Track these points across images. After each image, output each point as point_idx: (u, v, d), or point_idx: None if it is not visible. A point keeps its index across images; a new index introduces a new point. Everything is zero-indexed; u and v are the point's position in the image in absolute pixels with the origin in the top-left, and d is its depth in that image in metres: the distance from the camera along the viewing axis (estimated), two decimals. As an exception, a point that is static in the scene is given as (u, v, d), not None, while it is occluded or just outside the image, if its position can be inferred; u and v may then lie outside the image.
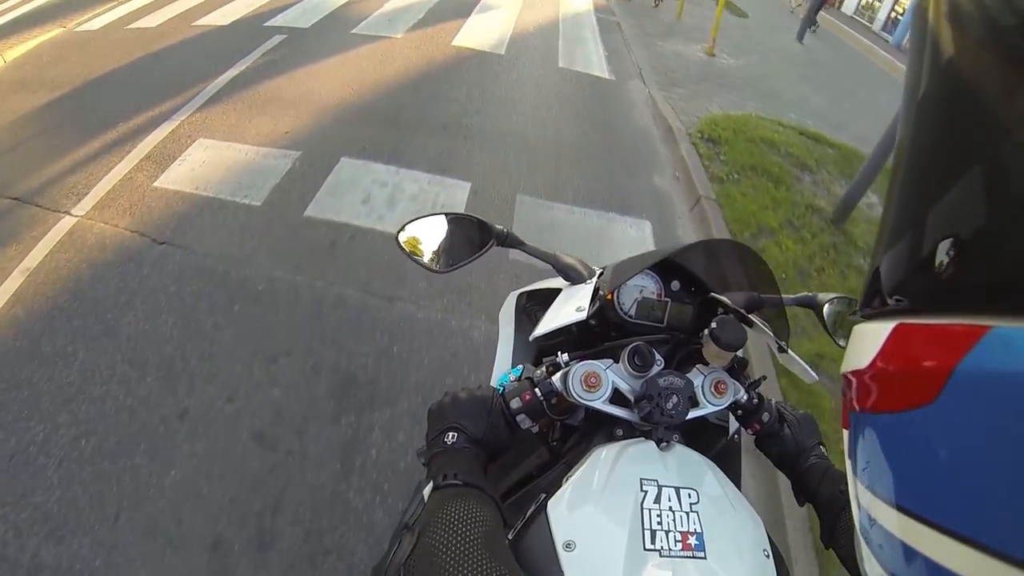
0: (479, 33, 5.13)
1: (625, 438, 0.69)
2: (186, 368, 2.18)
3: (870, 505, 0.35)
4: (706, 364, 0.74)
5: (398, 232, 0.87)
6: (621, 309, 0.86)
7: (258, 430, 1.99)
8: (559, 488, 0.63)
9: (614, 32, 7.06)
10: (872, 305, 0.38)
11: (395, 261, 2.64)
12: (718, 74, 6.28)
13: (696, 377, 0.71)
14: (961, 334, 0.27)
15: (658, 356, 0.70)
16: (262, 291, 2.56)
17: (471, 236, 0.89)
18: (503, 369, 0.99)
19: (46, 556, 1.59)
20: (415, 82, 4.20)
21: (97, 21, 6.09)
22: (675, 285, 0.89)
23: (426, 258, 0.87)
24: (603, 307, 0.84)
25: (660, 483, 0.60)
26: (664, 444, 0.67)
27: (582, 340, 0.87)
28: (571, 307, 0.81)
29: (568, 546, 0.55)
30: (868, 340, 0.36)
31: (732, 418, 0.82)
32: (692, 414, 0.69)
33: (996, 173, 0.28)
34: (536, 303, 1.04)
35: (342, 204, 3.00)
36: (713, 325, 0.70)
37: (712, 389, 0.71)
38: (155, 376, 2.13)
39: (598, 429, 0.74)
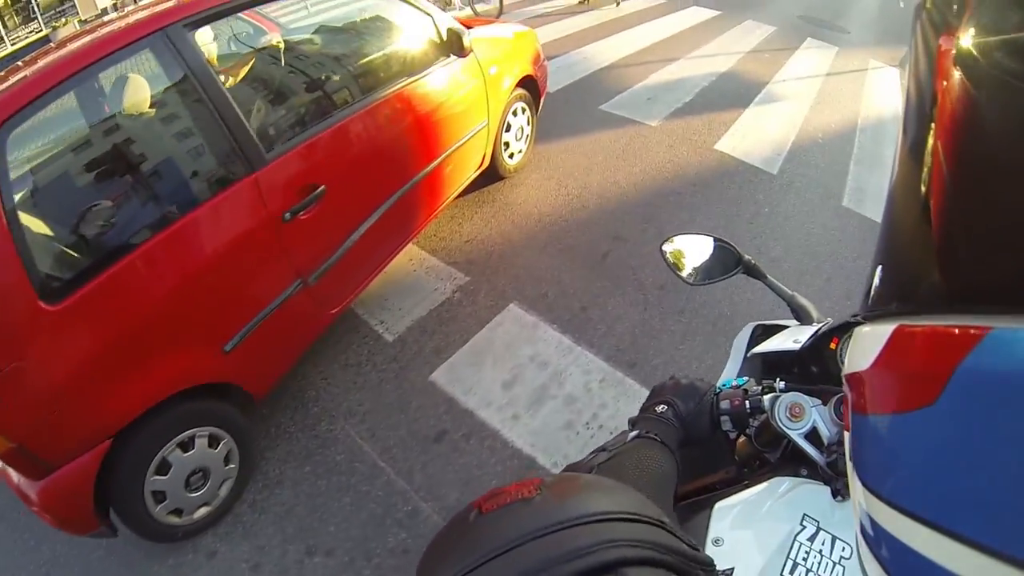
0: (752, 136, 3.90)
1: (808, 480, 0.71)
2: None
3: (871, 506, 0.35)
4: None
5: (663, 242, 1.04)
6: (842, 360, 0.86)
7: None
8: (731, 495, 0.71)
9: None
10: (873, 307, 0.40)
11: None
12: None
13: None
14: (961, 335, 0.28)
15: None
16: (340, 461, 1.99)
17: (725, 260, 1.01)
18: (727, 379, 0.96)
19: None
20: (650, 201, 3.19)
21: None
22: None
23: (684, 272, 1.03)
24: (825, 354, 0.88)
25: (821, 525, 0.64)
26: (840, 497, 0.67)
27: (803, 379, 0.90)
28: (791, 339, 0.91)
29: (716, 542, 0.63)
30: (869, 342, 0.37)
31: None
32: None
33: (996, 177, 0.29)
34: (767, 336, 1.08)
35: (479, 379, 2.23)
36: None
37: None
38: None
39: (786, 466, 0.77)
